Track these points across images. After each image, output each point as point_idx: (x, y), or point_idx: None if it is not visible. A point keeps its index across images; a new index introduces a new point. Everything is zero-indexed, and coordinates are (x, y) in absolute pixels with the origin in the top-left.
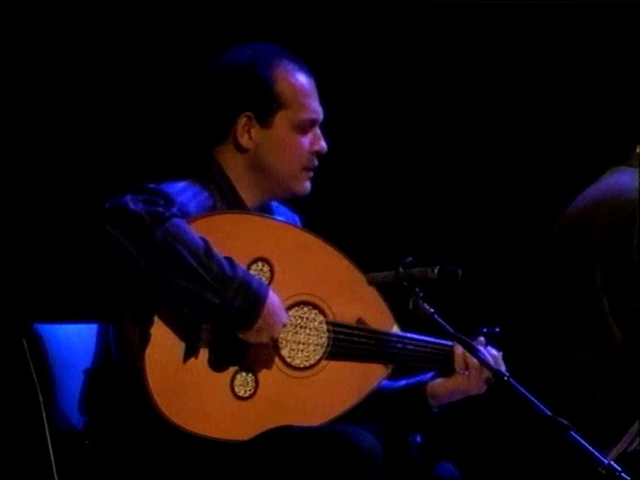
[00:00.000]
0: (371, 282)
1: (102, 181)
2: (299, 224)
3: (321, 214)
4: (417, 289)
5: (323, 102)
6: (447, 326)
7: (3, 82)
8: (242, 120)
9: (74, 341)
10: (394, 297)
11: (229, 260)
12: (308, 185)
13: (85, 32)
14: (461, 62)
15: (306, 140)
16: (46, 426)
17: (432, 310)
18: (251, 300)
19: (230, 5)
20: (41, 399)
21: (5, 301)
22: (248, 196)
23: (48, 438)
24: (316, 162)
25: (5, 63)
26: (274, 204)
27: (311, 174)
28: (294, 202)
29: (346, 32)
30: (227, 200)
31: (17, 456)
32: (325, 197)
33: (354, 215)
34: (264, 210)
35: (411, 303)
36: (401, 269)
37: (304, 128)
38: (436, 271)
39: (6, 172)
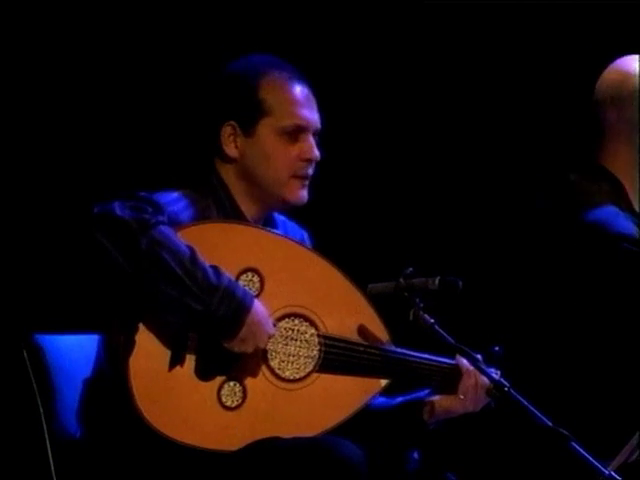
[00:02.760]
0: (371, 293)
1: (105, 192)
2: (307, 240)
3: (322, 225)
4: (417, 300)
5: (326, 111)
6: (448, 337)
7: None
8: (227, 129)
9: (74, 352)
10: (394, 308)
11: (215, 268)
12: (302, 194)
13: (82, 42)
14: (461, 63)
15: (294, 148)
16: (46, 436)
17: (432, 321)
18: (235, 308)
19: (232, 9)
20: (41, 409)
21: (6, 312)
22: (247, 207)
23: (48, 448)
24: (309, 170)
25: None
26: (280, 218)
27: (305, 182)
28: (296, 214)
29: (345, 33)
30: (225, 212)
31: (18, 466)
32: (326, 207)
33: (355, 226)
34: (266, 223)
35: (411, 314)
36: (401, 280)
37: (291, 135)
38: (436, 282)
39: (7, 182)
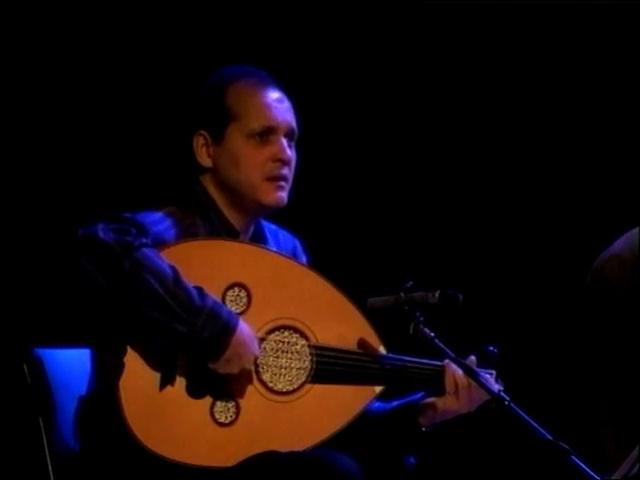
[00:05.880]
0: (371, 307)
1: (103, 205)
2: (299, 249)
3: (321, 238)
4: (418, 313)
5: (325, 121)
6: (448, 350)
7: None
8: (198, 139)
9: (74, 366)
10: (394, 321)
11: (199, 289)
12: (279, 195)
13: (60, 58)
14: (461, 64)
15: (264, 150)
16: (46, 450)
17: (433, 334)
18: (220, 330)
19: (231, 14)
20: (41, 423)
21: (6, 325)
22: (233, 217)
23: (48, 462)
24: (283, 171)
25: None
26: (271, 228)
27: (280, 184)
28: (294, 227)
29: (345, 33)
30: (213, 225)
31: (17, 478)
32: (325, 221)
33: (355, 239)
34: (256, 233)
35: (412, 327)
36: (402, 293)
37: (260, 137)
38: (437, 295)
39: (7, 196)
